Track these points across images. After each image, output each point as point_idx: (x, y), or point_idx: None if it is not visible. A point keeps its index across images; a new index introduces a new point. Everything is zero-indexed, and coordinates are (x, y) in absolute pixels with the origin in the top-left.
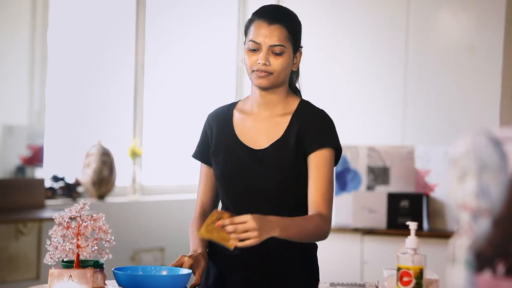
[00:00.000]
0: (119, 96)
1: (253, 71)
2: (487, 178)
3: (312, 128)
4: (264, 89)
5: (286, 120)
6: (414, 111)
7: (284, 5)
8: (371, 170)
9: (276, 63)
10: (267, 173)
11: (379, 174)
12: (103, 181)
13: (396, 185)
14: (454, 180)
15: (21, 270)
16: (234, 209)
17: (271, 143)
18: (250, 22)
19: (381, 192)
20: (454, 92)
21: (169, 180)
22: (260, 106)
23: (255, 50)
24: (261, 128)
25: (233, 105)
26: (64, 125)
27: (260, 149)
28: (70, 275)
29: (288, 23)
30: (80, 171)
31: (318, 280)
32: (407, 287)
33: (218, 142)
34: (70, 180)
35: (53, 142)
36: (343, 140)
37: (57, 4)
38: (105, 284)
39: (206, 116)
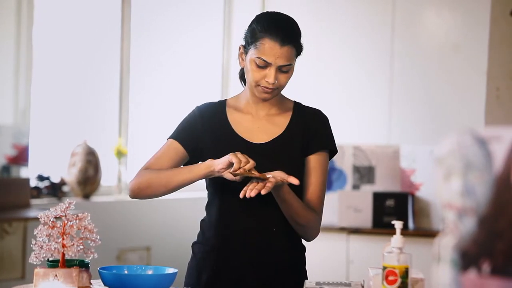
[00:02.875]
0: (104, 95)
1: (258, 85)
2: (472, 178)
3: (316, 129)
4: (266, 100)
5: (284, 119)
6: (399, 110)
7: (270, 5)
8: (356, 169)
9: (283, 80)
10: (270, 166)
11: (365, 173)
12: (89, 180)
13: (382, 184)
14: (440, 179)
15: (6, 270)
16: (231, 204)
17: (270, 139)
18: (260, 37)
19: (367, 191)
20: (439, 91)
21: None
22: (258, 106)
23: (262, 67)
24: (259, 126)
25: (223, 103)
26: (50, 124)
27: (261, 143)
28: (56, 275)
29: (297, 42)
30: (65, 171)
31: (307, 278)
32: (393, 286)
33: (216, 139)
34: (56, 179)
35: (38, 141)
36: None
37: (42, 2)
38: (90, 283)
39: (195, 107)
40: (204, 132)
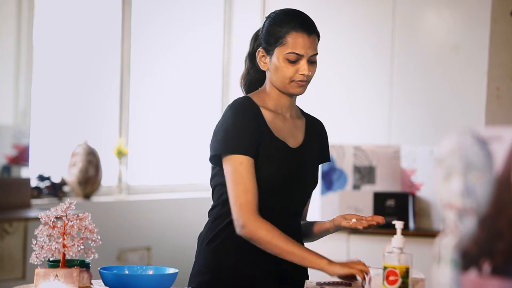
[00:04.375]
0: (105, 95)
1: (292, 81)
2: (473, 178)
3: (326, 141)
4: (295, 95)
5: (300, 123)
6: (400, 110)
7: (270, 5)
8: (357, 169)
9: (313, 71)
10: (302, 172)
11: (365, 174)
12: (89, 180)
13: (382, 185)
14: (440, 180)
15: (6, 270)
16: (268, 207)
17: (298, 144)
18: (285, 33)
19: (367, 191)
20: (439, 91)
21: (155, 179)
22: (284, 108)
23: (294, 62)
24: (289, 129)
25: (252, 101)
26: (50, 124)
27: (294, 148)
28: (56, 275)
29: (317, 32)
30: (66, 171)
31: (307, 275)
32: (393, 286)
33: (261, 141)
34: (56, 179)
35: (39, 141)
36: (329, 139)
37: (43, 3)
38: (91, 283)
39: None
40: (258, 133)
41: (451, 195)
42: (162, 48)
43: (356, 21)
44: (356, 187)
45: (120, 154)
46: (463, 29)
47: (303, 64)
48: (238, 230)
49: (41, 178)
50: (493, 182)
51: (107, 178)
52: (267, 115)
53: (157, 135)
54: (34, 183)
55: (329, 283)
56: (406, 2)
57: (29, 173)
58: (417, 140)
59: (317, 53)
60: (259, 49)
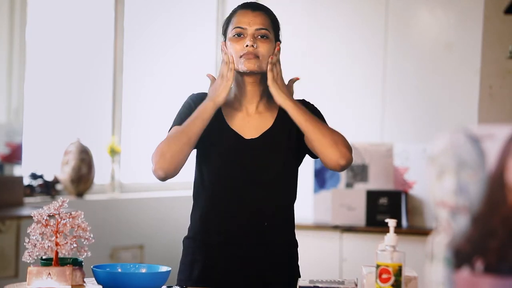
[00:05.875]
0: (97, 93)
1: (241, 56)
2: (466, 176)
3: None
4: (251, 73)
5: (272, 114)
6: (392, 108)
7: (263, 2)
8: (350, 167)
9: (263, 47)
10: (261, 160)
11: (358, 172)
12: (82, 178)
13: (375, 183)
14: (433, 178)
15: None
16: (221, 198)
17: (259, 134)
18: (232, 14)
19: (360, 189)
20: (432, 90)
21: (148, 177)
22: (246, 101)
23: (240, 35)
24: (249, 122)
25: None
26: (43, 122)
27: (251, 139)
28: (49, 273)
29: (270, 12)
30: (58, 169)
31: (299, 274)
32: (386, 284)
33: (211, 131)
34: (49, 177)
35: (31, 139)
36: None
37: (36, 1)
38: (84, 282)
39: (190, 94)
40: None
41: (444, 193)
42: (155, 46)
43: (349, 19)
44: (349, 185)
45: (113, 152)
46: (456, 28)
47: (247, 37)
48: (156, 177)
49: (34, 176)
50: (486, 180)
51: (100, 176)
52: (225, 109)
53: (150, 133)
54: (26, 181)
55: (322, 281)
56: (399, 0)
57: (22, 171)
58: (410, 138)
59: (265, 29)
60: (221, 43)
